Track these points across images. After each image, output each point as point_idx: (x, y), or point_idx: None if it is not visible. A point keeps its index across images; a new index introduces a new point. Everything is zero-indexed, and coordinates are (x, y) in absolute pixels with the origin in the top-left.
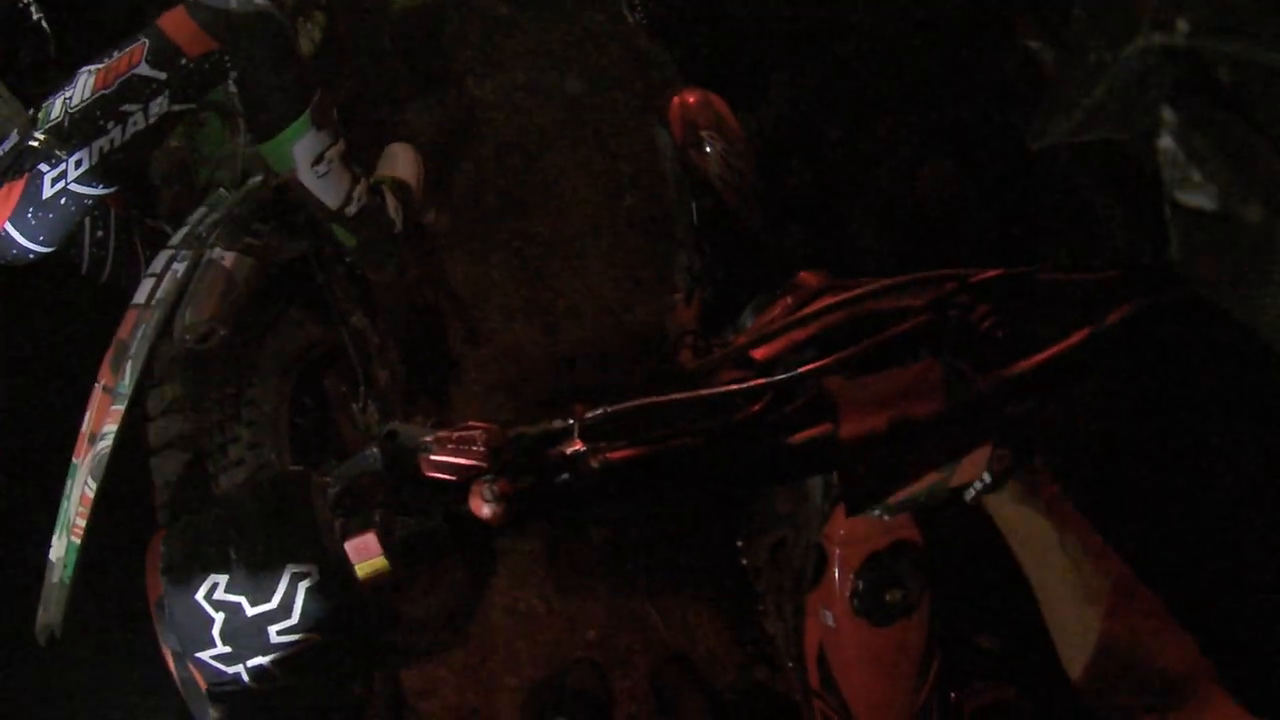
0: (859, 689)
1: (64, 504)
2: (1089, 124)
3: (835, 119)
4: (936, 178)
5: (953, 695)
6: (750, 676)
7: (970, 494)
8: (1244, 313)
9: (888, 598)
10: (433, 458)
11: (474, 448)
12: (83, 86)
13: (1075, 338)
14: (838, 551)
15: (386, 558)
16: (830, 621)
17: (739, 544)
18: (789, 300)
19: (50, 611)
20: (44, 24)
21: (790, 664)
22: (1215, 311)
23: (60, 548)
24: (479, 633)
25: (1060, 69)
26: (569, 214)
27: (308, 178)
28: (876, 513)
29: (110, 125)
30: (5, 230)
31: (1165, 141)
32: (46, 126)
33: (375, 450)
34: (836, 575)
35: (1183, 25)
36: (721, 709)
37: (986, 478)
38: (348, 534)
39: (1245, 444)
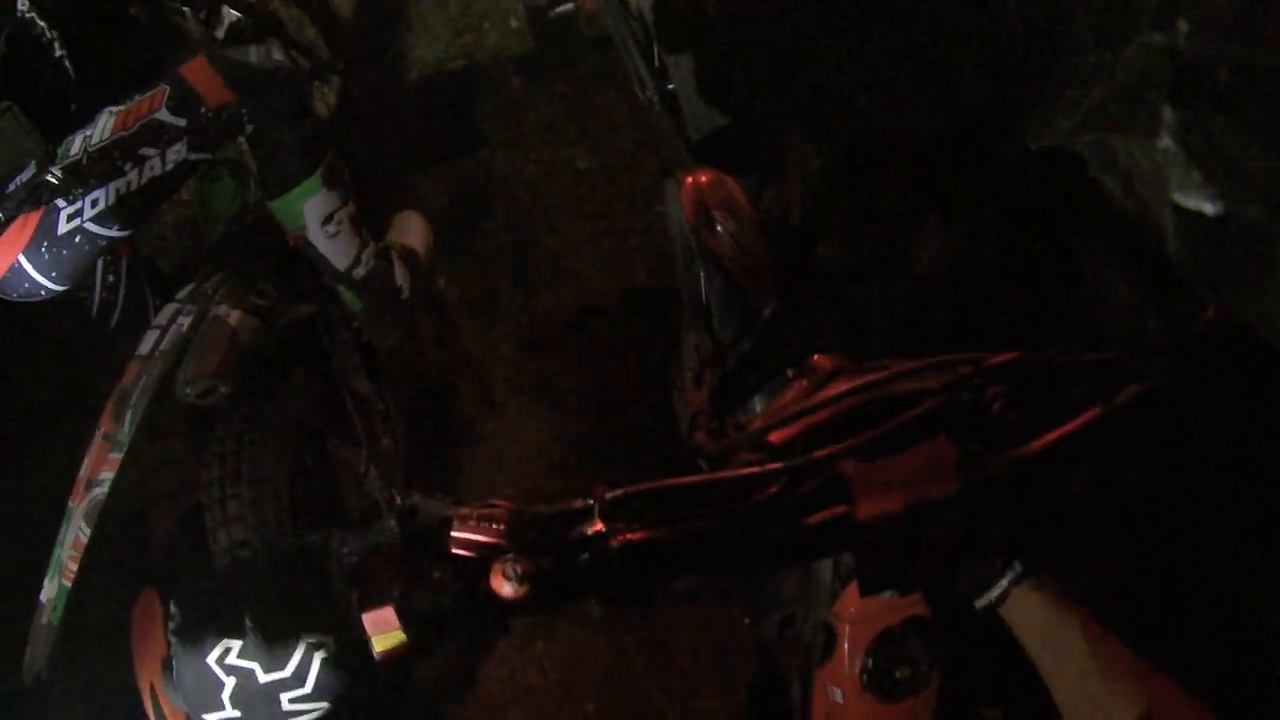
0: None
1: (57, 548)
2: (1089, 124)
3: (843, 200)
4: (944, 254)
5: None
6: None
7: (980, 603)
8: (1244, 313)
9: (898, 675)
10: (454, 534)
11: (495, 525)
12: (103, 127)
13: (1085, 416)
14: (848, 629)
15: (405, 632)
16: (839, 698)
17: (746, 621)
18: (803, 383)
19: (37, 652)
20: (66, 62)
21: None
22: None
23: (51, 590)
24: (476, 703)
25: (1060, 69)
26: (577, 290)
27: (317, 237)
28: (888, 592)
29: (128, 167)
30: (19, 263)
31: (1165, 141)
32: (65, 163)
33: (393, 523)
34: (846, 652)
35: (1183, 25)
36: None
37: (995, 594)
38: (365, 606)
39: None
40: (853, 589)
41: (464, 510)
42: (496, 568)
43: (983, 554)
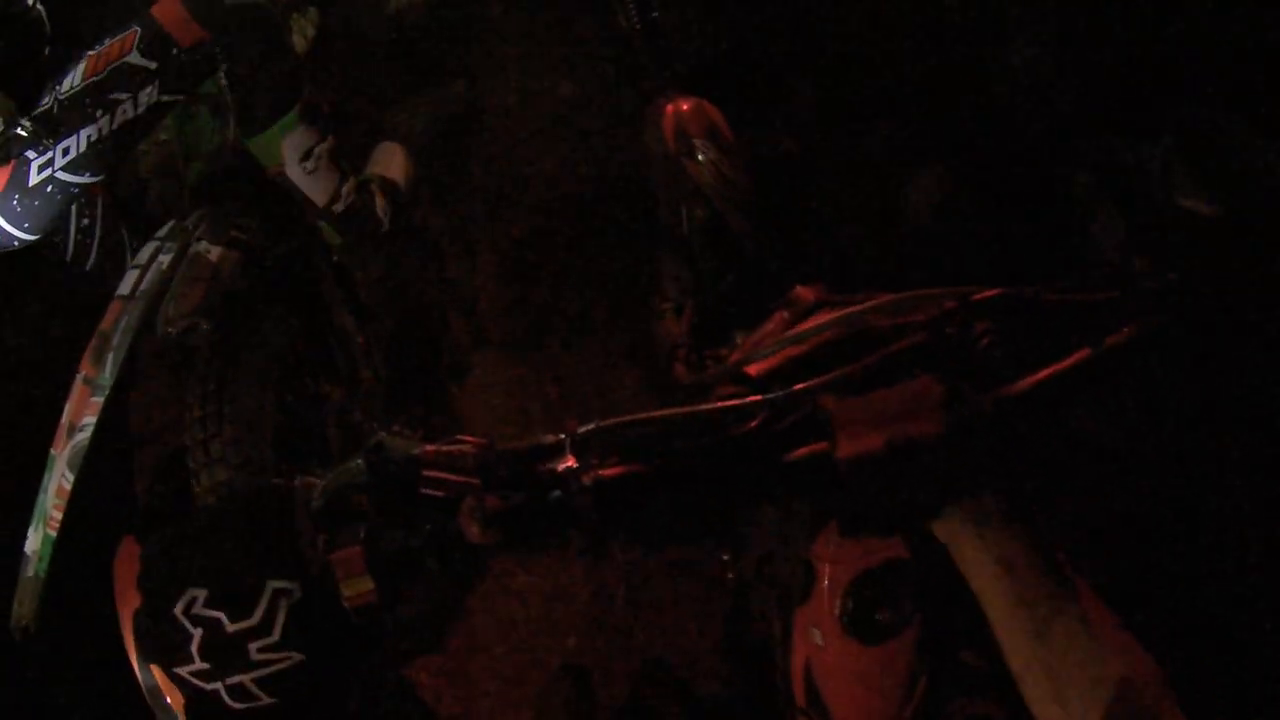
0: (846, 708)
1: (41, 496)
2: None
3: (830, 130)
4: (930, 187)
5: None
6: (733, 686)
7: None
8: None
9: (878, 617)
10: (422, 473)
11: (464, 463)
12: (74, 73)
13: (1075, 358)
14: (827, 569)
15: (371, 574)
16: (818, 640)
17: (725, 558)
18: (784, 315)
19: (25, 605)
20: (40, 8)
21: (778, 679)
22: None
23: (36, 540)
24: (458, 638)
25: None
26: (559, 219)
27: (296, 173)
28: (868, 532)
29: (99, 114)
30: None
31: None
32: (36, 113)
33: (361, 462)
34: (826, 593)
35: None
36: (703, 719)
37: None
38: (332, 549)
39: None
40: (832, 527)
41: (431, 448)
42: (465, 507)
43: (967, 495)
